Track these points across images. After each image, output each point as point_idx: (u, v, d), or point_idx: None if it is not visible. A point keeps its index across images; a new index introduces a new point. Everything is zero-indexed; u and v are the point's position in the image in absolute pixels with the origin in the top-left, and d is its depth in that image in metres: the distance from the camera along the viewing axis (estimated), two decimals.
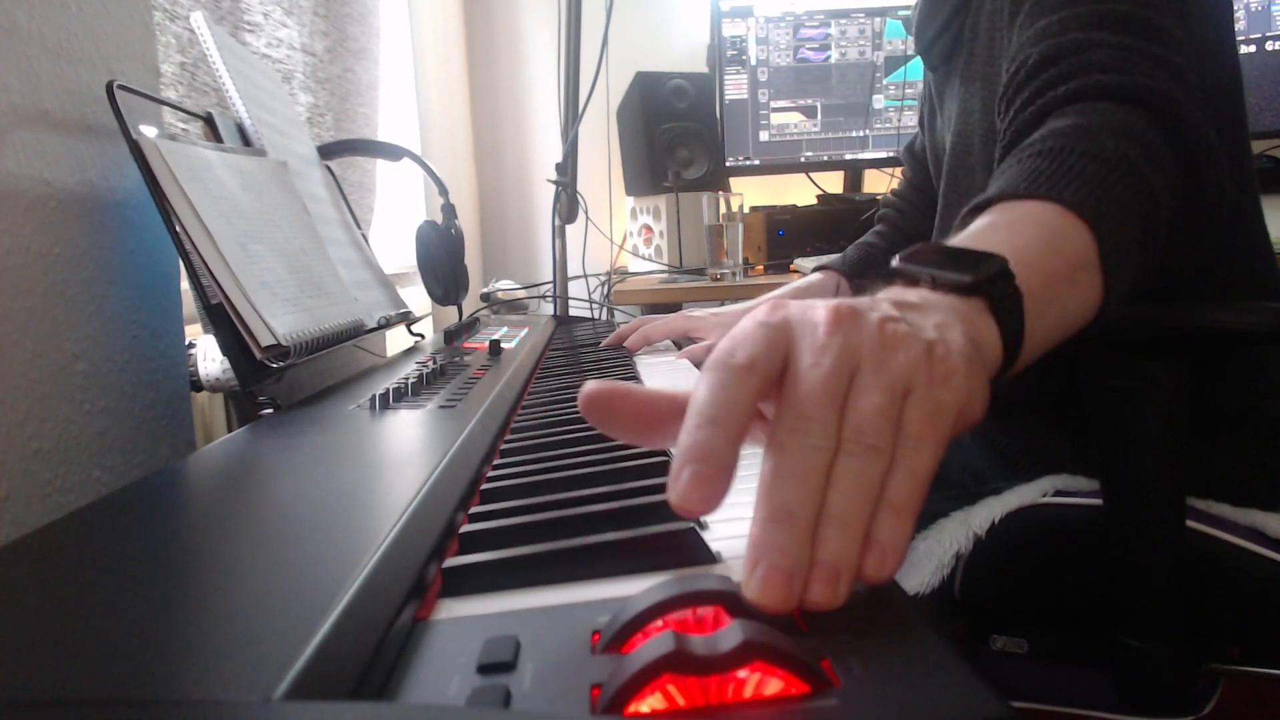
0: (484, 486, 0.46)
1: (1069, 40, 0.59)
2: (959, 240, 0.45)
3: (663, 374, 0.93)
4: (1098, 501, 0.71)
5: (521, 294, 1.69)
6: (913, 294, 0.37)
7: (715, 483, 0.30)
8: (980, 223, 0.47)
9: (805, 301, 0.34)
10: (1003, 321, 0.38)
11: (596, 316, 1.71)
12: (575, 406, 0.67)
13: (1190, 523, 0.69)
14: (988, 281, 0.38)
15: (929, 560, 0.78)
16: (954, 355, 0.33)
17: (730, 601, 0.27)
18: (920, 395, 0.31)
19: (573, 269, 1.72)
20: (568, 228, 1.65)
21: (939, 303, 0.37)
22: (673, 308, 1.77)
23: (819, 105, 1.98)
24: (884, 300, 0.35)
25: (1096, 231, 0.46)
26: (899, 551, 0.29)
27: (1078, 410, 0.80)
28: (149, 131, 0.62)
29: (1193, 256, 0.58)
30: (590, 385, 0.36)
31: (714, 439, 0.30)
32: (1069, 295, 0.45)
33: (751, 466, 0.51)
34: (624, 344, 1.05)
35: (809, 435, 0.30)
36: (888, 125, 1.99)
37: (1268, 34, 1.76)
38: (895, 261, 0.41)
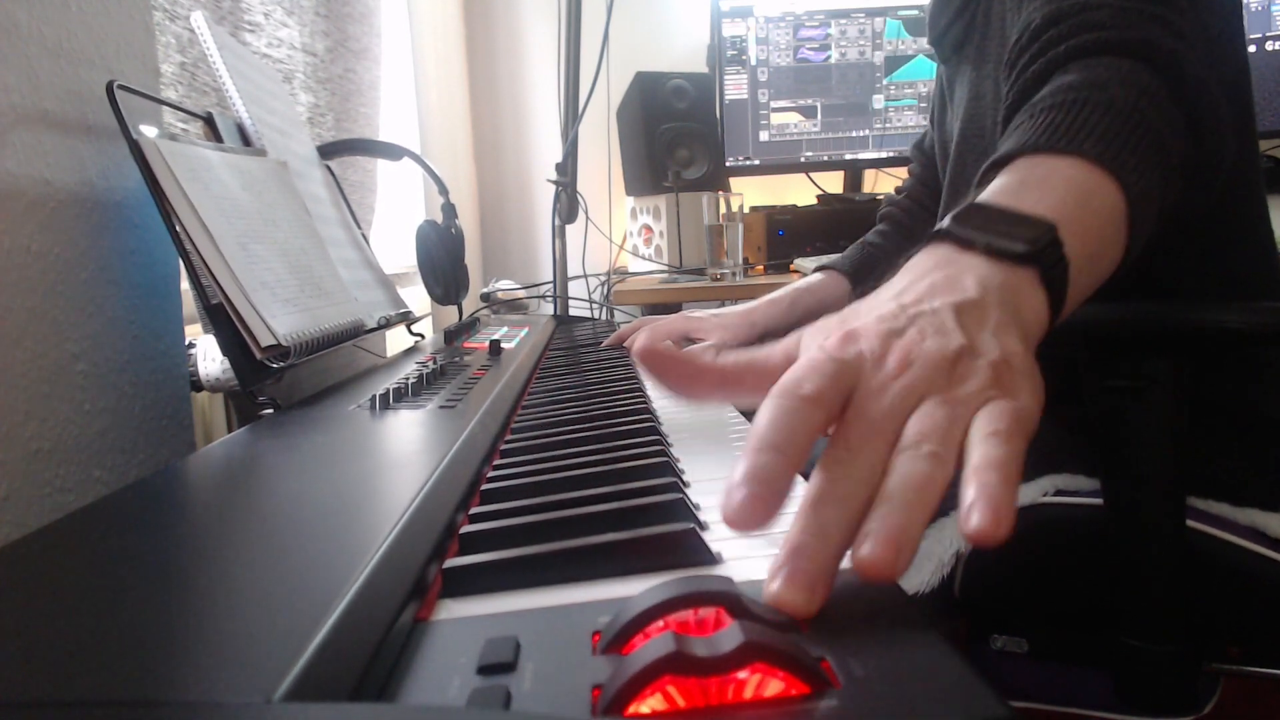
0: (484, 487, 0.46)
1: (1070, 3, 0.59)
2: (997, 198, 0.44)
3: None
4: (1098, 501, 0.71)
5: (521, 294, 1.69)
6: (970, 280, 0.38)
7: (769, 505, 0.30)
8: (1007, 180, 0.46)
9: (879, 329, 0.36)
10: (1051, 291, 0.39)
11: (596, 316, 1.71)
12: (575, 407, 0.67)
13: (1190, 522, 0.69)
14: (1040, 252, 0.39)
15: (929, 559, 0.78)
16: (1018, 374, 0.34)
17: (731, 602, 0.27)
18: (993, 405, 0.32)
19: (573, 269, 1.72)
20: (568, 228, 1.65)
21: (993, 287, 0.38)
22: (673, 308, 1.77)
23: (819, 105, 1.98)
24: (944, 306, 0.36)
25: (1123, 185, 0.46)
26: (1007, 508, 0.28)
27: (1078, 409, 0.80)
28: (149, 131, 0.62)
29: (1192, 228, 0.58)
30: (642, 339, 0.39)
31: (773, 464, 0.31)
32: (1103, 253, 0.45)
33: None
34: (624, 344, 1.05)
35: (854, 466, 0.31)
36: (888, 125, 1.99)
37: (1268, 34, 1.76)
38: (947, 222, 0.42)
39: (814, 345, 0.36)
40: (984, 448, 0.30)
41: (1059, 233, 0.40)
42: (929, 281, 0.39)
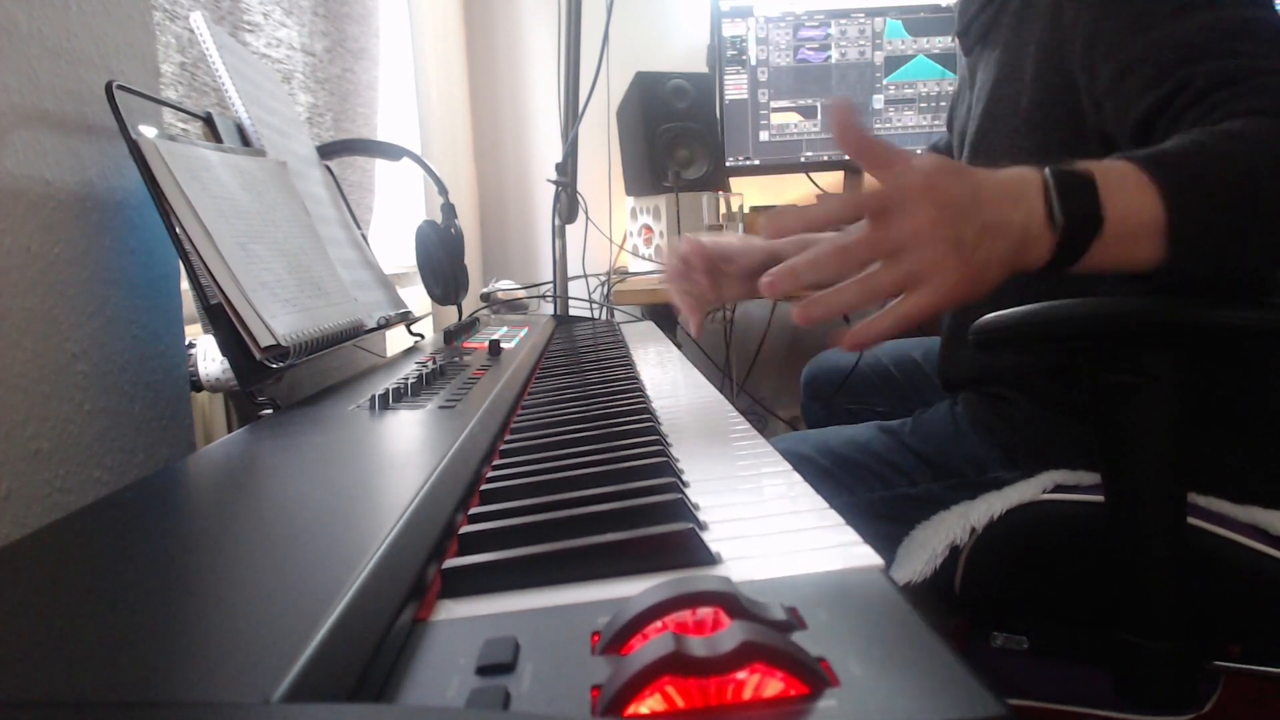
0: (483, 487, 0.46)
1: (1238, 68, 0.64)
2: (1100, 172, 0.57)
3: (654, 365, 0.93)
4: (1098, 498, 0.71)
5: (521, 294, 1.69)
6: (1019, 215, 0.56)
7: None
8: (1117, 167, 0.58)
9: (937, 200, 0.53)
10: (1059, 254, 0.56)
11: (596, 316, 1.71)
12: (575, 407, 0.67)
13: (1191, 519, 0.68)
14: (1071, 233, 0.56)
15: (923, 550, 0.78)
16: (963, 283, 0.54)
17: (730, 603, 0.27)
18: (919, 290, 0.54)
19: (573, 269, 1.72)
20: (568, 228, 1.65)
21: (1021, 228, 0.56)
22: (673, 308, 1.76)
23: (819, 105, 1.98)
24: (979, 223, 0.54)
25: (1170, 212, 0.57)
26: (819, 311, 0.55)
27: (1079, 403, 0.80)
28: (149, 131, 0.62)
29: None
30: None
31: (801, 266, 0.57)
32: (1123, 253, 0.58)
33: (749, 470, 0.51)
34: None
35: (841, 262, 0.55)
36: (888, 125, 1.99)
37: None
38: (1062, 165, 0.57)
39: (910, 169, 0.53)
40: (898, 306, 0.53)
41: (1098, 233, 0.56)
42: (1006, 190, 0.56)
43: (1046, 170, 0.57)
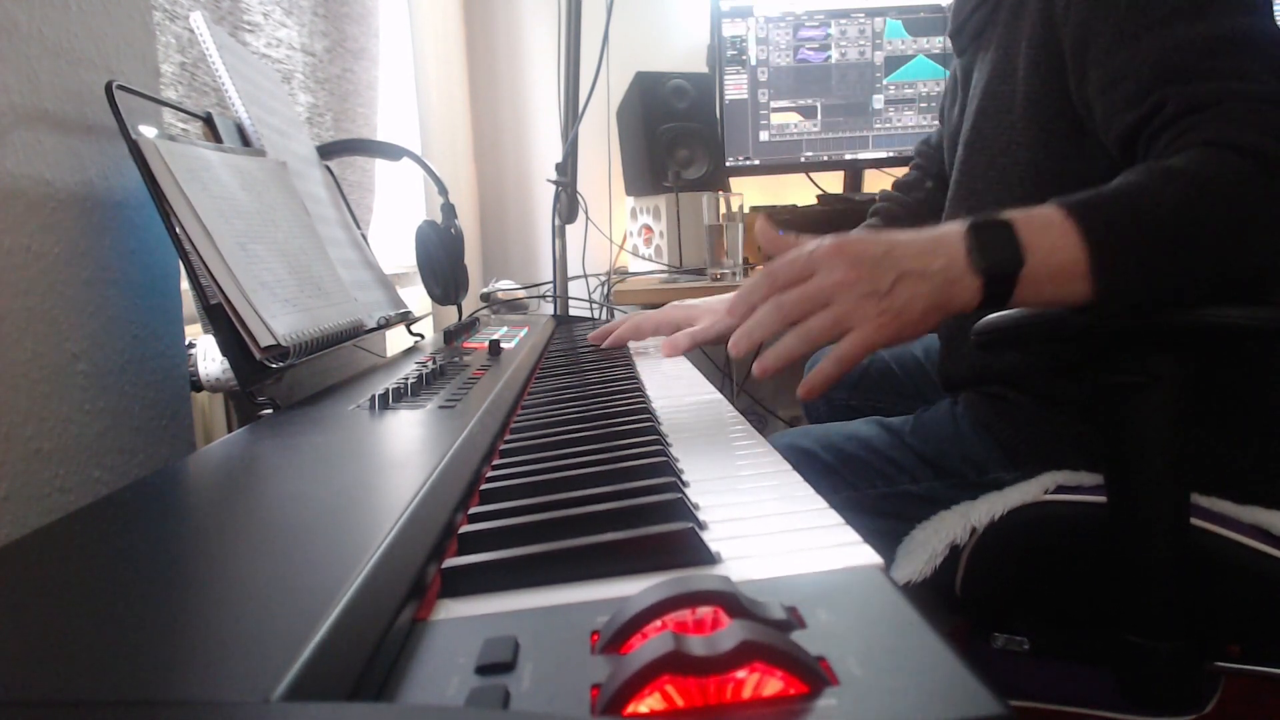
0: (483, 487, 0.46)
1: (1208, 93, 0.65)
2: (1017, 221, 0.62)
3: (654, 365, 0.93)
4: (1100, 499, 0.71)
5: (521, 294, 1.69)
6: (938, 263, 0.62)
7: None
8: (1042, 213, 0.63)
9: (855, 255, 0.62)
10: (985, 296, 0.62)
11: (596, 316, 1.71)
12: (575, 407, 0.67)
13: (1193, 520, 0.68)
14: (993, 278, 0.62)
15: (923, 549, 0.78)
16: (891, 327, 0.62)
17: (729, 602, 0.27)
18: (855, 333, 0.62)
19: (573, 269, 1.71)
20: (568, 228, 1.65)
21: (942, 273, 0.62)
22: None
23: (819, 105, 1.98)
24: (900, 274, 0.62)
25: (1091, 254, 0.61)
26: (773, 363, 0.63)
27: (1080, 403, 0.80)
28: (149, 132, 0.62)
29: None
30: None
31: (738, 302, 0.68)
32: (1050, 292, 0.63)
33: (749, 470, 0.51)
34: (609, 339, 1.04)
35: (781, 310, 0.64)
36: (887, 125, 1.99)
37: None
38: (979, 218, 0.63)
39: (815, 243, 0.63)
40: (834, 350, 0.61)
41: (1019, 271, 0.61)
42: (923, 245, 0.62)
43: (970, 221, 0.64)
